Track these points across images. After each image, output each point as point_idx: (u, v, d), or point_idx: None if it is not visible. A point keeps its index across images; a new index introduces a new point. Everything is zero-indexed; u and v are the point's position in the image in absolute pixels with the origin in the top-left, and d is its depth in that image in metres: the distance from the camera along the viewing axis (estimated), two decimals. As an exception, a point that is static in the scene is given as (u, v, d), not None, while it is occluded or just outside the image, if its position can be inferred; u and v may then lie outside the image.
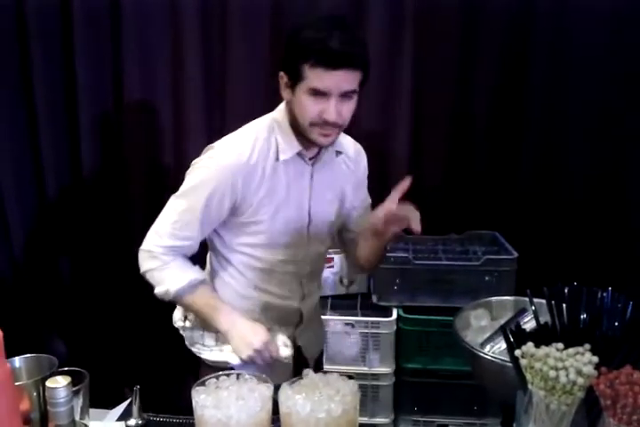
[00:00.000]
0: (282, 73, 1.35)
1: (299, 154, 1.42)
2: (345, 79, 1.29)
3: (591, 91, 2.17)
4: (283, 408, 0.86)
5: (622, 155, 2.23)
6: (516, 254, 2.15)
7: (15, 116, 2.31)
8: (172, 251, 1.41)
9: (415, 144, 2.30)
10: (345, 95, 1.31)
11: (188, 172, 1.42)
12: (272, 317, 1.52)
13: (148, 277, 1.44)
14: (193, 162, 1.42)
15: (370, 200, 1.65)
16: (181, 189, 1.41)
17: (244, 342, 1.35)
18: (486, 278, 2.15)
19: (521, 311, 1.56)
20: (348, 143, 1.58)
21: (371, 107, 2.22)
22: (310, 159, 1.46)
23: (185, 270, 1.42)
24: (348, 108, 1.34)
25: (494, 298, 1.68)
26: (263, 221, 1.42)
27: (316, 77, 1.27)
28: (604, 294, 0.91)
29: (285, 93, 1.37)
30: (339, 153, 1.52)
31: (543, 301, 1.02)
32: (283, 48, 1.33)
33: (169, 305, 2.34)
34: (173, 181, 2.28)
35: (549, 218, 2.30)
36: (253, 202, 1.40)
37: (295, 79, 1.31)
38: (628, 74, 2.15)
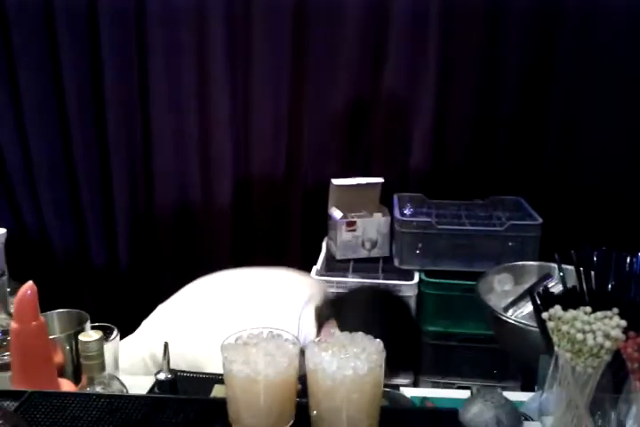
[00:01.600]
0: None
1: None
2: None
3: (620, 50, 2.13)
4: (309, 365, 0.88)
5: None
6: (540, 220, 2.13)
7: (45, 116, 2.34)
8: None
9: (440, 110, 2.28)
10: None
11: None
12: None
13: None
14: None
15: None
16: None
17: None
18: (510, 244, 2.14)
19: (545, 276, 1.56)
20: None
21: (397, 77, 2.21)
22: None
23: None
24: None
25: (519, 263, 1.68)
26: None
27: None
28: (634, 259, 0.90)
29: None
30: None
31: (569, 266, 1.02)
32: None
33: (192, 261, 2.40)
34: (198, 179, 2.33)
35: (574, 183, 2.29)
36: None
37: None
38: None
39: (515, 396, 1.03)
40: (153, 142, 2.33)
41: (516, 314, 1.54)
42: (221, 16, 2.17)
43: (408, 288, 2.14)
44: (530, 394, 1.13)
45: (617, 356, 0.75)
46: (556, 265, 1.62)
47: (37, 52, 2.25)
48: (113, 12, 2.19)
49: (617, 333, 0.74)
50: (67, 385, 1.08)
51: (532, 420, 1.00)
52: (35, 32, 2.23)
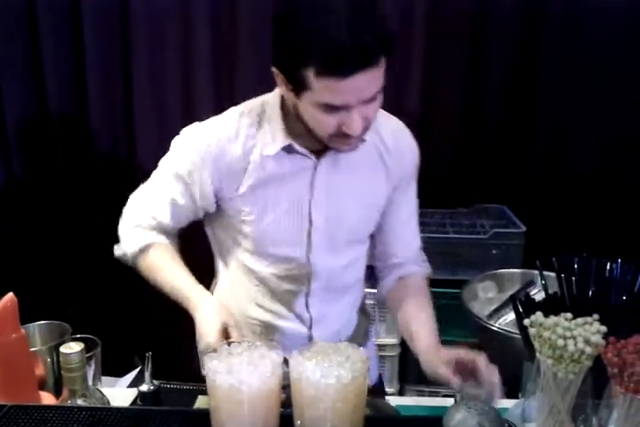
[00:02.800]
0: (276, 70, 1.04)
1: (290, 148, 1.15)
2: (366, 84, 0.97)
3: (607, 51, 2.16)
4: (293, 374, 0.87)
5: (634, 126, 2.21)
6: (523, 228, 2.16)
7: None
8: (149, 219, 1.23)
9: (425, 119, 2.29)
10: (368, 100, 1.01)
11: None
12: (278, 342, 1.21)
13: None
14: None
15: (411, 211, 1.33)
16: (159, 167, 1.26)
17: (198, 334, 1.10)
18: (494, 252, 2.16)
19: (528, 284, 1.58)
20: (385, 128, 1.22)
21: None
22: (314, 152, 1.16)
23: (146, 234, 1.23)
24: (373, 110, 1.04)
25: (502, 270, 1.70)
26: (248, 222, 1.19)
27: (326, 90, 0.97)
28: (614, 265, 0.91)
29: (285, 93, 1.08)
30: (361, 141, 1.12)
31: (551, 273, 1.03)
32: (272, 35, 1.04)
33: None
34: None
35: (558, 192, 2.31)
36: (234, 197, 1.18)
37: (297, 86, 1.01)
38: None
39: (499, 403, 1.03)
40: (137, 143, 2.32)
41: (499, 321, 1.55)
42: (206, 16, 2.16)
43: (393, 297, 2.14)
44: (514, 401, 1.13)
45: (598, 361, 0.76)
46: (538, 272, 1.64)
47: (19, 50, 2.24)
48: (96, 9, 2.18)
49: (597, 338, 0.75)
50: (48, 398, 1.07)
51: (516, 426, 1.00)
52: (17, 29, 2.22)
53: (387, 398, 1.22)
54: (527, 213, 2.27)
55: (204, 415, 0.92)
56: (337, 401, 0.85)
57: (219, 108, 2.21)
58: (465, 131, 2.33)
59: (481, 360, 1.04)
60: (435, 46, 2.20)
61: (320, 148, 1.15)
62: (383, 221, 1.29)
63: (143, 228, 1.23)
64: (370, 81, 0.97)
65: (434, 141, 2.32)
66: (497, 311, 1.59)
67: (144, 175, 2.34)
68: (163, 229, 1.23)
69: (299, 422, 0.90)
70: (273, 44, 1.03)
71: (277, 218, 1.18)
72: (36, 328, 1.18)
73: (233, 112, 1.20)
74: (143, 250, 1.21)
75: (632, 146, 2.23)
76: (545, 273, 1.13)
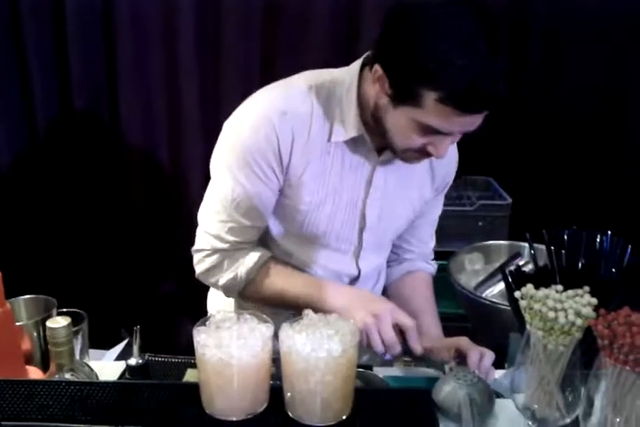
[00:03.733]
0: (380, 70, 0.98)
1: (359, 139, 1.09)
2: (477, 121, 0.98)
3: (592, 37, 2.14)
4: (283, 347, 0.87)
5: (622, 98, 2.21)
6: (509, 200, 2.16)
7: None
8: (231, 246, 1.17)
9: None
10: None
11: (218, 142, 1.16)
12: None
13: (205, 277, 1.21)
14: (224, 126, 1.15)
15: (438, 213, 1.37)
16: (214, 168, 1.16)
17: (363, 308, 1.07)
18: (480, 224, 2.16)
19: (515, 255, 1.59)
20: None
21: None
22: (378, 149, 1.13)
23: (249, 251, 1.17)
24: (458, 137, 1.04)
25: (489, 242, 1.70)
26: (304, 211, 1.14)
27: (440, 117, 0.94)
28: (604, 238, 0.91)
29: (377, 93, 1.01)
30: None
31: (540, 245, 1.03)
32: (385, 32, 0.97)
33: (165, 245, 2.37)
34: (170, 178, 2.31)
35: (543, 164, 2.31)
36: (294, 183, 1.11)
37: (402, 97, 0.96)
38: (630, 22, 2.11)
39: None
40: (123, 136, 2.28)
41: (486, 293, 1.56)
42: (191, 8, 2.12)
43: (380, 269, 2.15)
44: (500, 372, 1.14)
45: (588, 333, 0.76)
46: (525, 244, 1.65)
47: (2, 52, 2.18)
48: (79, 9, 2.12)
49: (588, 310, 0.75)
50: (35, 373, 1.06)
51: (504, 397, 1.01)
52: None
53: (374, 369, 1.22)
54: (513, 184, 2.27)
55: (194, 389, 0.92)
56: (327, 374, 0.86)
57: (203, 100, 2.21)
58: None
59: (475, 353, 1.09)
60: None
61: (381, 146, 1.11)
62: (415, 220, 1.30)
63: (243, 247, 1.17)
64: (480, 119, 0.98)
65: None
66: (484, 283, 1.61)
67: (127, 156, 2.31)
68: (257, 235, 1.19)
69: (289, 394, 0.90)
70: (388, 45, 0.96)
71: (333, 211, 1.15)
72: (22, 302, 1.16)
73: (300, 83, 1.10)
74: (254, 273, 1.16)
75: (618, 120, 2.23)
76: (534, 245, 1.13)
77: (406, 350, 1.11)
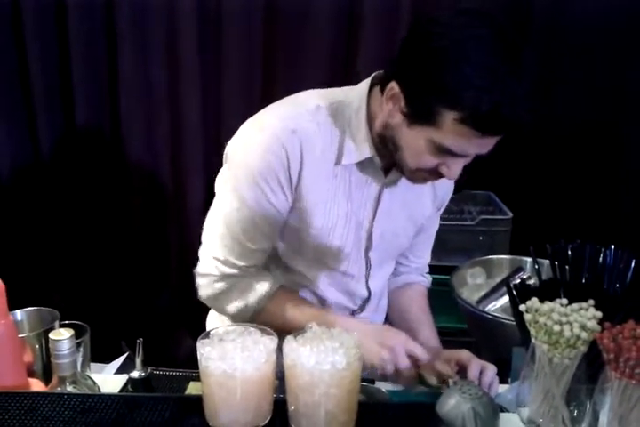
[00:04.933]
0: (396, 87, 0.97)
1: (368, 161, 1.09)
2: (492, 143, 0.98)
3: (588, 43, 2.16)
4: (287, 360, 0.87)
5: (621, 113, 2.23)
6: (510, 214, 2.17)
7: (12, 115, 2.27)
8: (240, 271, 1.16)
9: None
10: None
11: (224, 163, 1.15)
12: None
13: (211, 302, 1.20)
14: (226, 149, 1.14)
15: (436, 228, 1.37)
16: (219, 189, 1.15)
17: (377, 342, 1.06)
18: (481, 238, 2.17)
19: (517, 270, 1.58)
20: None
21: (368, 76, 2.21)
22: (384, 170, 1.12)
23: (259, 279, 1.17)
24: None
25: (491, 257, 1.70)
26: (313, 235, 1.13)
27: (457, 137, 0.94)
28: (608, 252, 0.92)
29: (391, 111, 1.00)
30: None
31: (542, 259, 1.03)
32: (405, 50, 0.96)
33: (166, 259, 2.36)
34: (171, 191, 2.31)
35: (544, 178, 2.32)
36: (301, 206, 1.09)
37: (419, 116, 0.95)
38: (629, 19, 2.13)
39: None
40: (124, 143, 2.29)
41: (488, 307, 1.56)
42: (193, 12, 2.14)
43: (381, 283, 2.15)
44: (503, 386, 1.14)
45: (593, 347, 0.76)
46: (526, 258, 1.66)
47: (2, 50, 2.19)
48: (82, 5, 2.14)
49: (593, 324, 0.75)
50: (37, 385, 1.05)
51: (509, 411, 1.01)
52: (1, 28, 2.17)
53: (377, 383, 1.22)
54: (514, 199, 2.28)
55: (197, 401, 0.91)
56: (331, 387, 0.85)
57: (204, 106, 2.22)
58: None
59: (475, 365, 1.07)
60: None
61: (387, 166, 1.11)
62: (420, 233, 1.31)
63: (254, 274, 1.17)
64: (495, 141, 0.97)
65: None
66: (486, 297, 1.60)
67: (130, 168, 2.31)
68: (263, 258, 1.18)
69: (292, 407, 0.90)
70: (408, 64, 0.95)
71: (344, 234, 1.14)
72: (25, 315, 1.16)
73: (307, 103, 1.08)
74: (265, 302, 1.16)
75: (618, 135, 2.24)
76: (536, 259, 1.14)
77: (422, 381, 1.12)
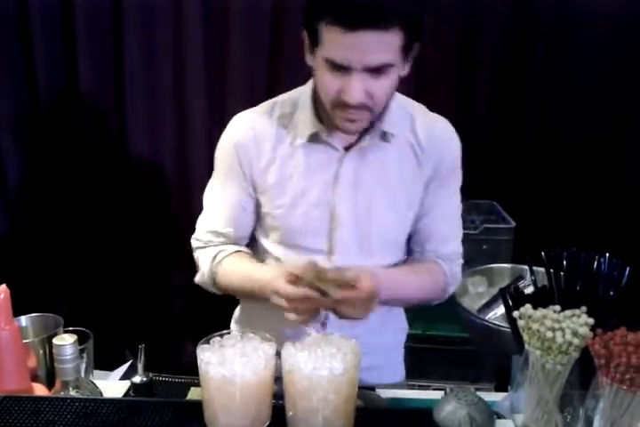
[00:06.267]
0: (305, 33, 1.05)
1: (318, 137, 1.14)
2: (371, 46, 0.95)
3: (595, 52, 2.17)
4: (286, 366, 0.88)
5: (626, 126, 2.24)
6: (513, 224, 2.17)
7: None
8: (215, 237, 1.25)
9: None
10: (375, 70, 0.99)
11: None
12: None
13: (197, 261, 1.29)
14: None
15: (450, 210, 1.27)
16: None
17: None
18: (484, 247, 2.17)
19: (518, 278, 1.59)
20: (420, 124, 1.19)
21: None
22: (345, 147, 1.16)
23: (222, 248, 1.24)
24: (381, 87, 1.01)
25: (492, 265, 1.70)
26: (278, 216, 1.20)
27: (332, 43, 0.97)
28: (602, 260, 0.93)
29: (308, 59, 1.07)
30: (389, 135, 1.14)
31: (541, 268, 1.04)
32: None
33: (169, 266, 2.37)
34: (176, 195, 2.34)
35: (547, 188, 2.32)
36: (265, 189, 1.19)
37: (313, 42, 1.02)
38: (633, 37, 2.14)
39: (488, 396, 1.04)
40: (129, 145, 2.31)
41: (490, 316, 1.56)
42: (199, 15, 2.16)
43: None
44: (503, 394, 1.15)
45: (585, 353, 0.77)
46: (527, 267, 1.66)
47: (10, 52, 2.23)
48: (88, 8, 2.17)
49: (585, 330, 0.76)
50: (40, 390, 1.07)
51: (505, 418, 1.01)
52: (8, 30, 2.20)
53: (377, 390, 1.22)
54: (517, 208, 2.29)
55: (197, 407, 0.93)
56: (329, 392, 0.87)
57: (209, 107, 2.24)
58: (455, 128, 2.33)
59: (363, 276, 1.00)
60: (424, 46, 2.20)
61: (346, 144, 1.16)
62: (419, 220, 1.23)
63: (214, 244, 1.25)
64: (377, 44, 0.95)
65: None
66: (487, 306, 1.60)
67: (134, 172, 2.33)
68: (231, 241, 1.25)
69: (291, 413, 0.91)
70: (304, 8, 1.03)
71: (306, 211, 1.18)
72: (29, 320, 1.18)
73: (267, 103, 1.22)
74: (216, 263, 1.22)
75: (619, 146, 2.25)
76: (534, 268, 1.15)
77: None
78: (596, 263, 0.93)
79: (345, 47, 0.96)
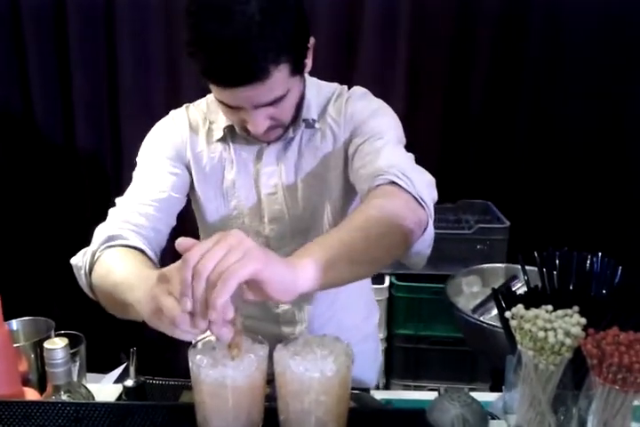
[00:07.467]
0: None
1: (234, 132, 1.15)
2: (256, 93, 0.96)
3: (588, 51, 2.18)
4: (277, 368, 0.88)
5: (621, 123, 2.24)
6: (507, 223, 2.17)
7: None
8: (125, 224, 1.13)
9: (410, 116, 2.30)
10: (271, 103, 1.00)
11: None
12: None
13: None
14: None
15: (398, 145, 1.13)
16: None
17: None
18: (478, 247, 2.17)
19: (512, 278, 1.59)
20: (331, 105, 1.17)
21: (366, 76, 2.22)
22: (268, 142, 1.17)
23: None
24: (282, 109, 1.03)
25: (486, 265, 1.70)
26: (209, 209, 1.23)
27: (217, 91, 1.00)
28: (595, 259, 0.92)
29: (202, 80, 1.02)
30: (311, 122, 1.14)
31: (534, 268, 1.04)
32: None
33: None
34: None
35: (541, 187, 2.33)
36: (193, 185, 1.22)
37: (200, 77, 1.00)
38: (629, 29, 2.15)
39: (483, 396, 1.04)
40: (123, 149, 2.31)
41: (484, 316, 1.56)
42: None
43: (379, 292, 2.16)
44: (497, 394, 1.14)
45: (578, 353, 0.77)
46: (520, 266, 1.65)
47: (3, 51, 2.22)
48: (81, 9, 2.17)
49: (577, 330, 0.76)
50: (31, 394, 1.06)
51: (499, 418, 1.01)
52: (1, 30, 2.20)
53: (371, 392, 1.22)
54: (511, 208, 2.29)
55: (189, 409, 0.92)
56: (322, 394, 0.86)
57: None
58: (450, 128, 2.34)
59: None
60: (418, 46, 2.21)
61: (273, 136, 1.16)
62: (352, 167, 1.12)
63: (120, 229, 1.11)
64: (261, 90, 0.95)
65: (419, 138, 2.32)
66: (481, 306, 1.60)
67: (129, 173, 2.32)
68: (141, 234, 1.11)
69: (282, 416, 0.90)
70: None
71: (236, 205, 1.20)
72: (20, 324, 1.17)
73: (184, 106, 1.25)
74: (103, 247, 1.07)
75: (614, 145, 2.26)
76: (527, 268, 1.15)
77: None
78: (588, 263, 0.93)
79: (230, 97, 0.98)
